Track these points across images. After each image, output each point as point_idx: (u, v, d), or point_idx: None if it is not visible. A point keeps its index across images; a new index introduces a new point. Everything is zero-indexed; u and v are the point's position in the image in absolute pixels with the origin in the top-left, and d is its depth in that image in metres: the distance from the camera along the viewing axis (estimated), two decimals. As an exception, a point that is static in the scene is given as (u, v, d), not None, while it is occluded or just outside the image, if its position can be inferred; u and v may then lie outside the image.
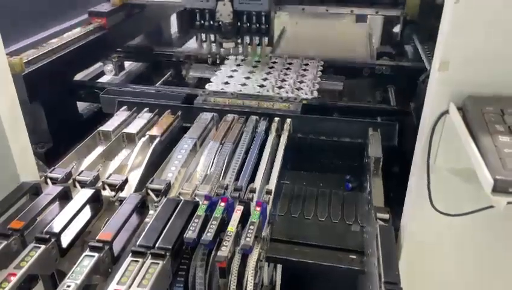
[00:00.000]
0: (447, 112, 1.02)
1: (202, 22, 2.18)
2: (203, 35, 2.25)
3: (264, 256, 1.31)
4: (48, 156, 1.95)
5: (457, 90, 1.00)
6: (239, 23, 2.16)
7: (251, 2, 2.09)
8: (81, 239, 1.25)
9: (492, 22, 0.95)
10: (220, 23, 2.14)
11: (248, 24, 2.15)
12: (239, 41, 2.25)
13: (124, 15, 2.58)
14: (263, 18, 2.13)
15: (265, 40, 2.21)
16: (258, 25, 2.15)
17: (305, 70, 2.42)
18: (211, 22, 2.17)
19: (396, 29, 2.90)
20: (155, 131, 1.75)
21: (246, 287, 1.15)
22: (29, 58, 1.91)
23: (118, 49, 2.65)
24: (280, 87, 2.21)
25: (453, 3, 0.94)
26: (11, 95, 1.36)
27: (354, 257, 1.52)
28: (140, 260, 1.09)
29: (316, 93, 2.17)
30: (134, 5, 2.63)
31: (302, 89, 2.21)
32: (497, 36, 0.96)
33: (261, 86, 2.23)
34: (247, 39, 2.22)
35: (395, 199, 1.44)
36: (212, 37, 2.24)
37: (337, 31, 2.84)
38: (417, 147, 1.17)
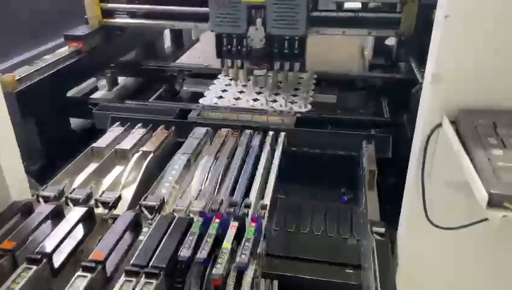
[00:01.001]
0: (440, 125, 1.02)
1: (230, 47, 2.07)
2: (229, 61, 2.14)
3: (260, 272, 1.30)
4: (40, 173, 1.93)
5: (450, 104, 1.00)
6: (270, 49, 2.05)
7: (286, 26, 1.98)
8: (74, 258, 1.23)
9: (482, 36, 0.96)
10: (250, 48, 2.04)
11: (280, 49, 2.05)
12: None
13: (100, 38, 2.47)
14: (296, 42, 2.03)
15: (297, 65, 2.09)
16: (290, 50, 2.04)
17: (298, 83, 2.43)
18: (239, 48, 2.06)
19: (389, 41, 2.92)
20: (148, 147, 1.75)
21: (241, 304, 1.13)
22: (22, 76, 1.90)
23: (112, 65, 2.64)
24: (274, 101, 2.22)
25: (443, 18, 0.95)
26: (1, 113, 1.34)
27: (351, 271, 1.50)
28: (134, 279, 1.07)
29: (309, 106, 2.18)
30: (114, 27, 2.53)
31: (295, 102, 2.22)
32: (488, 50, 0.97)
33: (255, 99, 2.23)
34: (277, 65, 2.10)
35: (389, 211, 1.44)
36: (239, 62, 2.13)
37: (329, 44, 2.86)
38: (411, 160, 1.17)
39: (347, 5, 2.29)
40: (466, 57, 0.98)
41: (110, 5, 2.44)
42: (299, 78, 2.47)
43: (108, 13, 2.46)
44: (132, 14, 2.51)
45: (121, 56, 2.76)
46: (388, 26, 2.20)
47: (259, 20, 1.98)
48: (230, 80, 2.44)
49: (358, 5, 2.28)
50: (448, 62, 0.99)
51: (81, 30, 2.39)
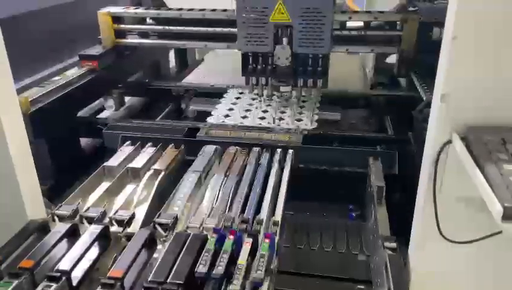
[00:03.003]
0: (450, 141, 1.06)
1: (255, 66, 2.14)
2: (254, 79, 2.20)
3: (273, 289, 1.31)
4: (51, 192, 1.95)
5: (459, 121, 1.04)
6: (294, 66, 2.12)
7: (312, 45, 2.05)
8: (89, 276, 1.25)
9: (489, 56, 1.00)
10: (275, 66, 2.10)
11: (304, 67, 2.12)
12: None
13: (114, 56, 2.57)
14: (320, 60, 2.09)
15: (320, 82, 2.15)
16: (314, 68, 2.11)
17: (303, 101, 2.48)
18: (264, 66, 2.13)
19: (390, 59, 2.98)
20: (159, 165, 1.77)
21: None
22: (34, 97, 1.94)
23: (119, 85, 2.69)
24: (280, 119, 2.26)
25: (451, 39, 1.00)
26: (21, 134, 1.38)
27: (362, 287, 1.52)
28: (153, 295, 1.08)
29: (315, 124, 2.22)
30: (127, 46, 2.64)
31: (301, 120, 2.26)
32: (494, 69, 1.01)
33: (262, 118, 2.27)
34: (301, 82, 2.17)
35: (397, 226, 1.46)
36: (263, 80, 2.19)
37: (331, 62, 2.92)
38: (422, 176, 1.20)
39: (350, 24, 2.36)
40: (474, 76, 1.02)
41: (122, 26, 2.55)
42: (303, 97, 2.51)
43: (120, 33, 2.58)
44: (143, 34, 2.63)
45: (129, 75, 2.85)
46: (390, 44, 2.28)
47: (285, 40, 2.06)
48: (253, 98, 2.52)
49: (360, 23, 2.35)
50: (456, 81, 1.03)
51: (95, 50, 2.50)
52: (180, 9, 2.46)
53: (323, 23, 2.01)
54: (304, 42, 2.05)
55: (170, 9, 2.58)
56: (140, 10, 2.56)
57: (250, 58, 2.13)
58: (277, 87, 2.27)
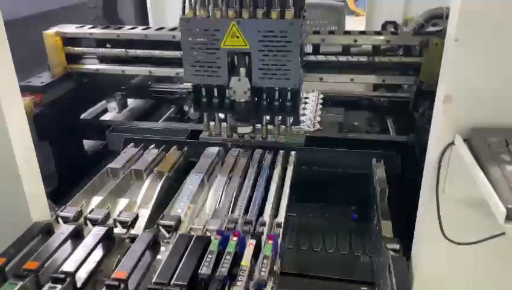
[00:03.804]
0: (452, 143, 1.06)
1: (210, 99, 1.72)
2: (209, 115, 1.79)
3: (276, 290, 1.31)
4: (54, 195, 1.96)
5: (462, 123, 1.04)
6: (257, 101, 1.71)
7: (275, 77, 1.62)
8: (93, 277, 1.25)
9: (491, 57, 1.00)
10: (233, 101, 1.69)
11: (269, 101, 1.70)
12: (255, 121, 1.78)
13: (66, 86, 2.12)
14: (288, 94, 1.68)
15: (290, 119, 1.77)
16: (282, 103, 1.69)
17: (305, 103, 2.48)
18: (221, 98, 1.71)
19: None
20: (163, 167, 1.78)
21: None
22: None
23: (122, 87, 2.69)
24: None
25: (454, 41, 1.00)
26: (25, 136, 1.39)
27: (365, 288, 1.52)
28: (157, 297, 1.09)
29: (318, 126, 2.22)
30: (82, 74, 2.21)
31: (304, 121, 2.26)
32: (497, 70, 1.01)
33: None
34: (266, 119, 1.77)
35: (399, 228, 1.46)
36: (221, 115, 1.78)
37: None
38: (424, 178, 1.20)
39: (354, 49, 2.04)
40: (476, 78, 1.02)
41: (76, 49, 2.17)
42: (305, 98, 2.51)
43: (73, 58, 2.20)
44: (102, 59, 2.23)
45: (91, 105, 2.50)
46: (405, 72, 1.95)
47: (243, 70, 1.64)
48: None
49: (368, 47, 2.03)
50: (459, 83, 1.03)
51: (41, 79, 2.07)
52: (146, 28, 2.17)
53: (289, 50, 1.57)
54: (266, 74, 1.62)
55: (134, 27, 2.23)
56: (97, 30, 2.18)
57: (203, 90, 1.72)
58: (235, 128, 1.77)
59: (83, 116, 2.37)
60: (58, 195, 1.87)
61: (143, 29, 2.15)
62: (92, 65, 2.22)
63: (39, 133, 1.84)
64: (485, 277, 1.20)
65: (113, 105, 2.75)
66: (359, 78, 1.97)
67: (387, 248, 1.33)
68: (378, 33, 2.02)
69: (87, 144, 2.39)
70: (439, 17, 2.14)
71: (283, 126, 1.78)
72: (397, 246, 1.32)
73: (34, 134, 1.78)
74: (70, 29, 2.18)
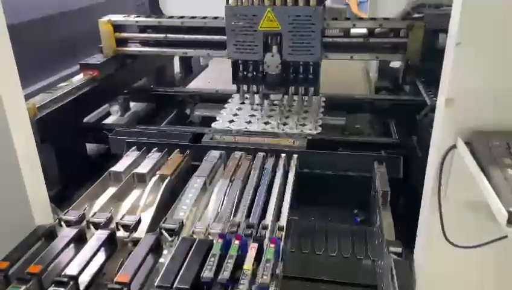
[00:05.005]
0: (454, 146, 1.06)
1: (245, 73, 2.14)
2: (245, 87, 2.21)
3: (278, 294, 1.31)
4: (57, 198, 1.96)
5: (463, 126, 1.04)
6: (285, 74, 2.11)
7: (302, 53, 2.05)
8: (96, 281, 1.26)
9: (492, 61, 1.01)
10: (265, 74, 2.10)
11: (295, 74, 2.12)
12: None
13: (115, 65, 2.53)
14: (311, 68, 2.10)
15: (312, 90, 2.17)
16: (305, 75, 2.11)
17: (306, 106, 2.48)
18: (255, 73, 2.13)
19: (393, 64, 2.99)
20: (165, 170, 1.78)
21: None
22: (42, 103, 1.96)
23: (125, 91, 2.71)
24: (284, 124, 2.27)
25: (455, 45, 1.00)
26: (28, 139, 1.40)
27: (368, 291, 1.52)
28: (159, 300, 1.09)
29: (319, 129, 2.23)
30: (128, 55, 2.61)
31: (305, 124, 2.27)
32: (498, 73, 1.01)
33: (266, 123, 2.28)
34: (292, 89, 2.18)
35: (402, 231, 1.46)
36: (254, 88, 2.20)
37: (334, 66, 2.92)
38: (426, 181, 1.20)
39: (353, 31, 2.33)
40: (477, 81, 1.02)
41: (124, 34, 2.54)
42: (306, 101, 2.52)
43: (121, 42, 2.55)
44: (144, 43, 2.59)
45: (132, 83, 2.83)
46: (395, 51, 2.25)
47: (275, 47, 2.05)
48: (242, 103, 2.49)
49: (364, 30, 2.32)
50: (460, 86, 1.03)
51: (96, 59, 2.47)
52: (182, 17, 2.47)
53: (313, 30, 2.01)
54: (294, 50, 2.05)
55: (171, 17, 2.57)
56: (142, 18, 2.56)
57: (241, 66, 2.14)
58: (267, 95, 2.27)
59: (85, 119, 2.37)
60: (61, 198, 1.88)
61: (179, 17, 2.48)
62: (136, 48, 2.59)
63: (42, 137, 1.85)
64: (487, 280, 1.20)
65: (115, 108, 2.76)
66: (357, 56, 2.28)
67: (389, 251, 1.32)
68: (373, 19, 2.36)
69: (90, 147, 2.40)
70: (423, 6, 2.55)
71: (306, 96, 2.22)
72: (399, 250, 1.32)
73: (37, 137, 1.80)
74: (119, 17, 2.56)
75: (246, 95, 2.31)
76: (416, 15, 2.43)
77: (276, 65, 2.07)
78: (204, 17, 2.40)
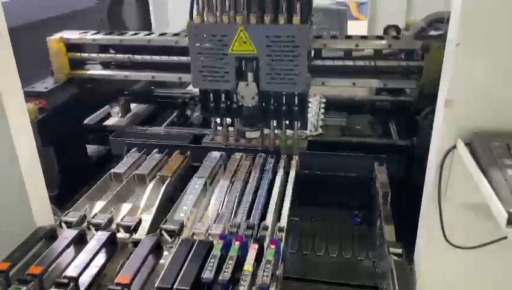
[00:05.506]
0: (454, 147, 1.06)
1: (217, 105, 1.71)
2: (218, 120, 1.80)
3: (279, 295, 1.31)
4: (57, 199, 1.97)
5: (463, 127, 1.05)
6: (264, 104, 1.69)
7: (283, 82, 1.61)
8: (97, 282, 1.26)
9: (492, 62, 1.01)
10: (240, 106, 1.69)
11: (276, 106, 1.68)
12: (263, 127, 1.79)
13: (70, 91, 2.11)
14: (296, 98, 1.66)
15: (298, 124, 1.75)
16: (289, 108, 1.67)
17: (308, 107, 2.48)
18: (229, 103, 1.70)
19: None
20: (165, 171, 1.78)
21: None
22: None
23: (125, 92, 2.70)
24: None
25: (455, 46, 1.00)
26: (29, 141, 1.40)
27: (368, 292, 1.52)
28: (159, 302, 1.09)
29: (320, 130, 2.23)
30: (85, 79, 2.18)
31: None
32: (498, 75, 1.02)
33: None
34: (273, 123, 1.76)
35: (402, 232, 1.46)
36: (229, 120, 1.79)
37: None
38: (427, 182, 1.20)
39: (355, 53, 2.02)
40: (477, 83, 1.03)
41: (78, 54, 2.14)
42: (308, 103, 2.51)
43: (77, 64, 2.17)
44: (105, 64, 2.21)
45: (95, 110, 2.49)
46: (407, 76, 1.93)
47: (250, 75, 1.63)
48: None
49: (369, 51, 2.00)
50: (460, 88, 1.04)
51: (45, 84, 2.07)
52: (149, 34, 2.15)
53: (296, 54, 1.57)
54: (273, 79, 1.61)
55: (136, 33, 2.19)
56: (100, 36, 2.16)
57: (211, 95, 1.71)
58: (243, 132, 1.79)
59: (86, 121, 2.38)
60: (61, 200, 1.88)
61: (146, 34, 2.14)
62: (95, 71, 2.20)
63: (43, 138, 1.85)
64: (487, 280, 1.20)
65: (116, 110, 2.76)
66: (361, 82, 1.96)
67: (390, 252, 1.33)
68: (379, 38, 1.99)
69: (91, 148, 2.40)
70: (440, 21, 2.10)
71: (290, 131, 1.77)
72: (400, 251, 1.32)
73: (38, 139, 1.81)
74: (74, 35, 2.17)
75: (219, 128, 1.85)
76: (432, 32, 2.03)
77: (252, 96, 1.65)
78: (176, 34, 2.08)
